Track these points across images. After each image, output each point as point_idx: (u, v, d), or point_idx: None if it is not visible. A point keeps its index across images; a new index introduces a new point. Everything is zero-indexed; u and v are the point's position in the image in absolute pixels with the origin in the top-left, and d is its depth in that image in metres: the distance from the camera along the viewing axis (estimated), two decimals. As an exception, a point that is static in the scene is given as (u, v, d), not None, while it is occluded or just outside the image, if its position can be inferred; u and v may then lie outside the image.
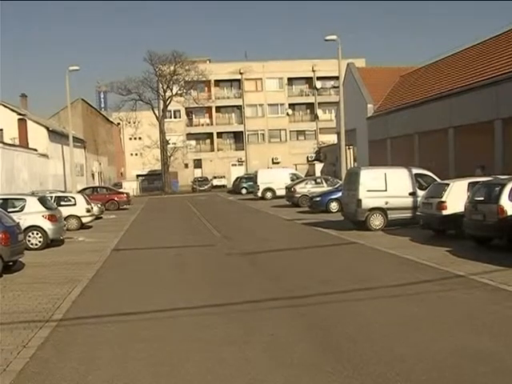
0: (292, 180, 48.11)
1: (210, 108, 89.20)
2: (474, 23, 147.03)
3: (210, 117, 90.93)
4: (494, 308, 10.75)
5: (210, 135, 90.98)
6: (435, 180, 23.96)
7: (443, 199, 20.07)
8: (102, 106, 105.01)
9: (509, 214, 16.33)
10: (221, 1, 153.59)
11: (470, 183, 19.89)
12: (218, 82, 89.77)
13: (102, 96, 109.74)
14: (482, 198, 17.78)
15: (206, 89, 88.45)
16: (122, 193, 50.82)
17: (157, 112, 78.60)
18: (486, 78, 34.34)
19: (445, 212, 19.83)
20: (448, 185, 20.73)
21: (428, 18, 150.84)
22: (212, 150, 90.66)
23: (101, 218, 36.33)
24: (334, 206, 32.40)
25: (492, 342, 8.66)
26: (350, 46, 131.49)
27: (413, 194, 23.75)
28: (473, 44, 42.43)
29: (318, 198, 34.17)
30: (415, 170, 25.16)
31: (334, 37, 38.46)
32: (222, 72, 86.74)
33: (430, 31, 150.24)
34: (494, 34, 39.88)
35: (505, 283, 12.47)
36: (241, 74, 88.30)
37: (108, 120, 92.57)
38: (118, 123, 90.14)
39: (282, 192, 45.44)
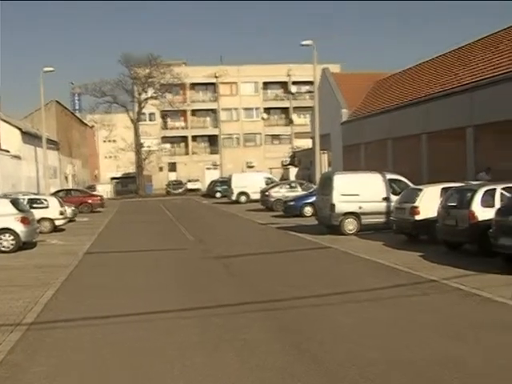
0: (267, 184, 48.15)
1: (185, 111, 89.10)
2: (451, 29, 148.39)
3: (185, 120, 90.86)
4: (466, 313, 10.86)
5: (184, 139, 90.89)
6: (408, 185, 24.17)
7: (416, 204, 20.24)
8: (77, 108, 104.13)
9: (480, 219, 16.52)
10: (197, 1, 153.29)
11: (442, 189, 20.08)
12: (193, 86, 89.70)
13: (76, 98, 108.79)
14: (455, 204, 17.96)
15: (182, 92, 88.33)
16: (96, 195, 50.57)
17: (132, 115, 78.32)
18: (460, 85, 34.69)
19: (417, 217, 19.99)
20: (421, 190, 20.92)
21: (404, 24, 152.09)
22: (187, 153, 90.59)
23: (74, 220, 36.09)
24: (308, 210, 32.48)
25: (463, 347, 8.74)
26: (325, 52, 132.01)
27: (386, 199, 23.93)
28: (449, 50, 42.84)
29: (292, 203, 34.28)
30: (389, 176, 25.34)
31: (309, 42, 38.68)
32: (198, 75, 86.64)
33: (406, 37, 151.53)
34: (471, 40, 40.39)
35: (476, 288, 12.59)
36: (216, 77, 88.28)
37: (82, 122, 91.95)
38: (93, 126, 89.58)
39: (257, 196, 45.49)
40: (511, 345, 8.75)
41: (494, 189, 17.42)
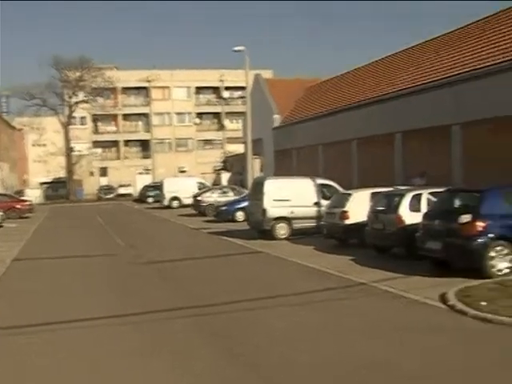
0: (199, 189, 48.06)
1: (116, 116, 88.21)
2: (385, 37, 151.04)
3: (117, 125, 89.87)
4: (394, 315, 11.11)
5: (116, 143, 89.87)
6: (339, 190, 24.55)
7: (346, 209, 20.59)
8: (4, 110, 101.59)
9: (407, 223, 16.94)
10: (129, 2, 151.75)
11: (372, 193, 20.47)
12: (125, 90, 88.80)
13: (3, 100, 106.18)
14: (383, 208, 18.37)
15: (113, 96, 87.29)
16: (25, 200, 49.40)
17: (62, 118, 76.99)
18: (388, 92, 35.47)
19: (347, 221, 20.34)
20: (350, 195, 21.30)
21: (335, 33, 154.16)
22: (118, 158, 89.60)
23: (1, 226, 35.25)
24: (240, 215, 32.54)
25: (391, 350, 8.92)
26: (258, 57, 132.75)
27: (317, 203, 24.23)
28: (381, 57, 43.72)
29: (224, 208, 34.33)
30: (319, 181, 25.68)
31: (241, 48, 38.83)
32: (130, 79, 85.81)
33: (337, 45, 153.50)
34: (403, 47, 41.38)
35: (404, 290, 12.89)
36: (148, 81, 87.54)
37: (10, 125, 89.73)
38: (21, 129, 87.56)
39: (189, 201, 45.35)
40: (438, 346, 8.95)
41: (421, 194, 17.93)
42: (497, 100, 25.49)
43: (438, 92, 29.88)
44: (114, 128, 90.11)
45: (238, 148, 70.25)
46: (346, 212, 20.50)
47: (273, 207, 23.91)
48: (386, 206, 18.36)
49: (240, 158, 61.77)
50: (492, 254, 13.68)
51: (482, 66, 27.90)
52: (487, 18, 33.34)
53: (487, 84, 26.54)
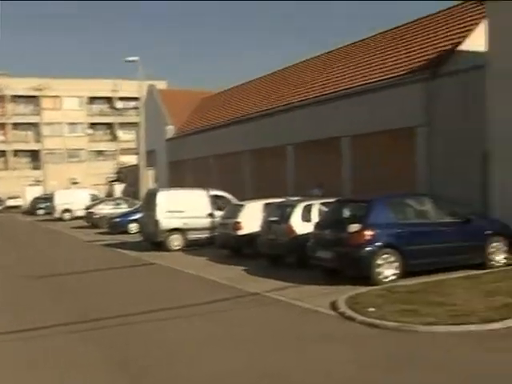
0: (91, 201, 47.26)
1: (4, 124, 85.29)
2: (284, 48, 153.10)
3: (5, 134, 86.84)
4: (287, 324, 11.26)
5: (3, 153, 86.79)
6: (232, 201, 24.74)
7: (238, 220, 20.77)
8: None
9: (299, 233, 17.27)
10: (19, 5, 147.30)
11: (265, 204, 20.74)
12: (14, 98, 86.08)
13: None
14: (275, 219, 18.64)
15: (1, 104, 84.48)
16: None
17: None
18: (279, 105, 36.09)
19: (240, 232, 20.52)
20: (243, 206, 21.51)
21: (233, 43, 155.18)
22: (6, 168, 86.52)
23: None
24: (133, 227, 32.15)
25: (285, 359, 9.00)
26: (152, 67, 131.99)
27: (211, 214, 24.32)
28: (276, 70, 44.49)
29: (117, 219, 33.89)
30: (213, 192, 25.79)
31: (135, 58, 38.48)
32: (19, 87, 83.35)
33: (234, 56, 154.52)
34: (298, 59, 42.27)
35: (296, 299, 13.10)
36: (39, 90, 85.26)
37: None
38: None
39: (81, 213, 44.49)
40: (328, 354, 9.13)
41: (312, 204, 18.35)
42: (383, 114, 26.49)
43: (330, 105, 30.68)
44: (2, 137, 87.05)
45: (132, 159, 69.53)
46: (238, 223, 20.68)
47: (166, 218, 23.84)
48: (278, 217, 18.63)
49: (133, 170, 61.07)
50: (379, 261, 14.14)
51: (371, 81, 28.92)
52: (373, 36, 34.71)
53: (375, 98, 27.51)
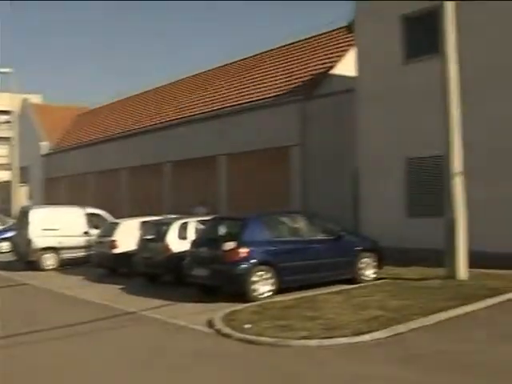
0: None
1: None
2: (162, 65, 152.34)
3: None
4: (164, 343, 11.19)
5: None
6: (108, 219, 24.44)
7: (114, 238, 20.54)
8: None
9: (175, 251, 17.30)
10: None
11: (141, 222, 20.61)
12: None
13: None
14: (152, 237, 18.58)
15: None
16: None
17: None
18: (157, 123, 36.09)
19: (116, 250, 20.28)
20: (119, 224, 21.30)
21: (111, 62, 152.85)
22: None
23: None
24: (5, 245, 30.99)
25: (155, 377, 8.97)
26: (26, 81, 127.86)
27: (86, 233, 23.91)
28: (156, 86, 44.30)
29: (-13, 238, 32.50)
30: (89, 210, 25.37)
31: (7, 70, 37.22)
32: None
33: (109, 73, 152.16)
34: (171, 80, 42.27)
35: (173, 317, 13.05)
36: None
37: None
38: None
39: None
40: (205, 371, 9.13)
41: (189, 222, 18.47)
42: (260, 133, 27.09)
43: (208, 123, 30.97)
44: None
45: (4, 175, 66.98)
46: (114, 241, 20.44)
47: (39, 237, 23.20)
48: (154, 235, 18.57)
49: (6, 186, 58.92)
50: (254, 278, 14.38)
51: (249, 100, 29.46)
52: (253, 56, 35.41)
53: (252, 118, 28.05)
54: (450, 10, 15.76)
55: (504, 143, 17.74)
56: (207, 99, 33.95)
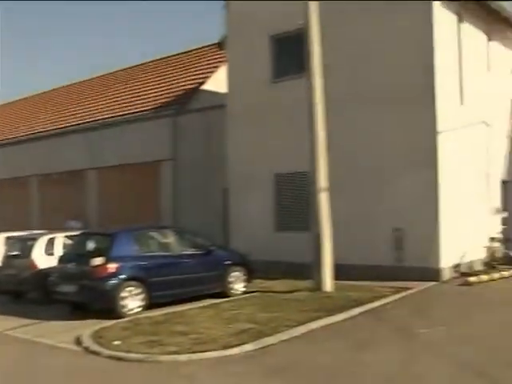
0: None
1: None
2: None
3: None
4: (30, 363, 10.83)
5: None
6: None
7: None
8: None
9: (42, 267, 16.83)
10: None
11: (6, 237, 19.85)
12: None
13: None
14: (17, 253, 17.96)
15: None
16: None
17: None
18: (27, 134, 35.00)
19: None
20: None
21: None
22: None
23: None
24: None
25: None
26: None
27: None
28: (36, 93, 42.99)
29: None
30: None
31: None
32: None
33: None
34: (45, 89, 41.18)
35: (39, 336, 12.67)
36: None
37: None
38: None
39: None
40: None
41: (56, 237, 18.02)
42: (131, 147, 26.95)
43: (76, 136, 30.41)
44: None
45: None
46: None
47: None
48: (20, 251, 17.94)
49: None
50: (124, 294, 14.22)
51: (121, 114, 29.22)
52: (125, 69, 35.17)
53: (123, 131, 27.83)
54: (315, 31, 16.38)
55: (364, 161, 18.59)
56: (78, 111, 33.31)
